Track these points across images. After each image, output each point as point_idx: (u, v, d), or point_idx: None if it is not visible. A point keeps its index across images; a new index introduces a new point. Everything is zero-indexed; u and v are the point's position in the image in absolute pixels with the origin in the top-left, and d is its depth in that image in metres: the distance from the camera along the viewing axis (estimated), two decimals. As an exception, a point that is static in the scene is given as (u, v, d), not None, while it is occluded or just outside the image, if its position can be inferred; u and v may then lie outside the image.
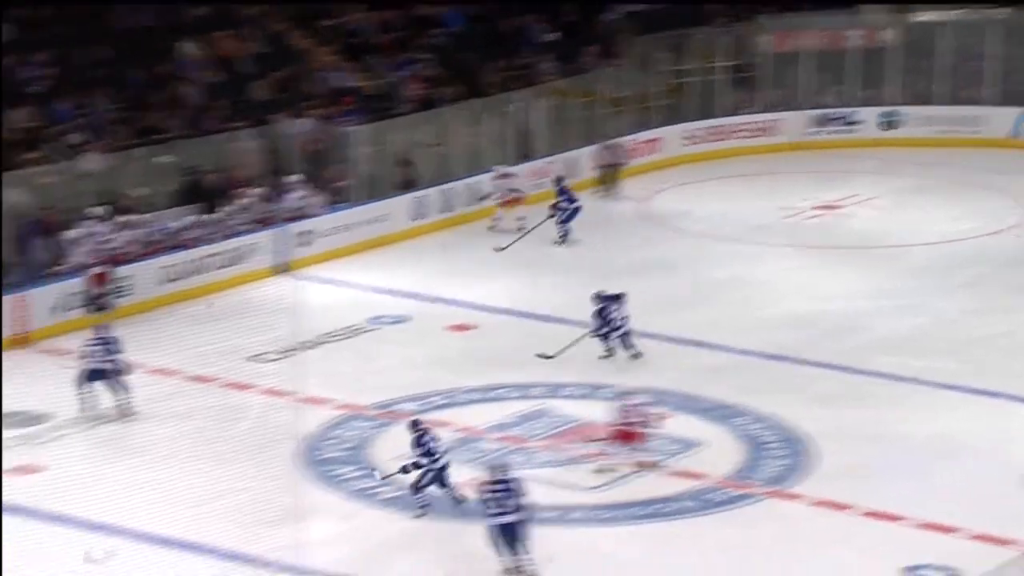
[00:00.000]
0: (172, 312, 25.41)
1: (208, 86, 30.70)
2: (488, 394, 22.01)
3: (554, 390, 22.06)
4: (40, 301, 24.18)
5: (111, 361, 21.10)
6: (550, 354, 22.65)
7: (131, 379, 21.55)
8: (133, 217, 26.42)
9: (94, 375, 21.02)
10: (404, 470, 18.25)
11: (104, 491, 18.53)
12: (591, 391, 21.91)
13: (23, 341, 23.61)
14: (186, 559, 17.23)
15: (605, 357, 22.83)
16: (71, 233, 25.31)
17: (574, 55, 35.89)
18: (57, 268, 25.00)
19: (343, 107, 31.46)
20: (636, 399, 19.27)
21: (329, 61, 33.39)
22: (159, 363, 22.86)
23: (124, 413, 21.03)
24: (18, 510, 18.19)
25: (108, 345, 21.21)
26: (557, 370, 22.58)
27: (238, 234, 27.49)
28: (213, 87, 30.74)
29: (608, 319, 22.77)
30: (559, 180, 30.02)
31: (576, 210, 29.62)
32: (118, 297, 25.11)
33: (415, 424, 18.49)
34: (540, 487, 17.62)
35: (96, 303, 24.77)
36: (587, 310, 23.10)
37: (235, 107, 30.32)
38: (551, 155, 33.10)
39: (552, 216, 29.48)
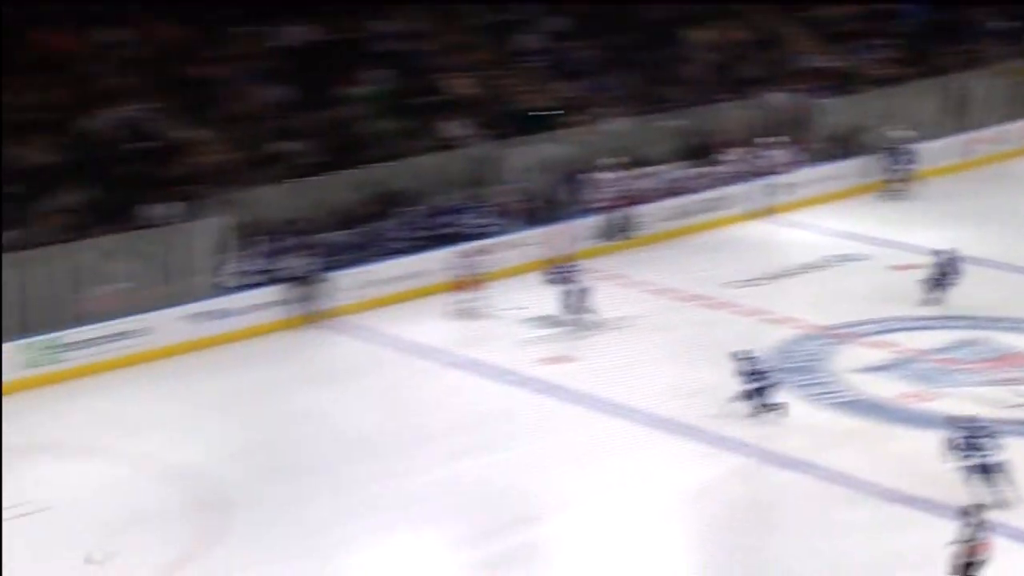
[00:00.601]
0: (674, 244, 25.82)
1: (709, 65, 30.83)
2: (930, 323, 21.35)
3: (992, 322, 21.11)
4: (575, 231, 24.96)
5: (576, 282, 21.57)
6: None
7: (631, 294, 22.10)
8: (647, 168, 26.89)
9: (572, 294, 21.55)
10: (746, 396, 17.90)
11: (616, 378, 19.27)
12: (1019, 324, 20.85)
13: (567, 260, 24.54)
14: (671, 439, 17.69)
15: (934, 303, 21.73)
16: (600, 178, 25.99)
17: (1021, 41, 33.73)
18: (590, 206, 25.78)
19: (817, 83, 30.88)
20: None
21: (807, 45, 32.82)
22: (662, 283, 23.40)
23: (600, 324, 21.38)
24: (553, 389, 19.15)
25: (569, 272, 21.67)
26: (992, 305, 21.51)
27: (727, 184, 27.55)
28: (713, 66, 30.84)
29: (954, 271, 21.74)
30: (895, 144, 28.48)
31: (910, 170, 28.43)
32: (633, 230, 25.73)
33: (742, 355, 18.08)
34: (971, 403, 16.97)
35: (617, 234, 25.48)
36: (1018, 257, 21.89)
37: (729, 82, 30.31)
38: (991, 127, 31.33)
39: (895, 180, 28.38)
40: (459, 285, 22.15)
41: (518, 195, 25.24)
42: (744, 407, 17.80)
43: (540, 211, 25.15)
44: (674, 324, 21.64)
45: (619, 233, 25.55)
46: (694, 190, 27.02)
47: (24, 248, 20.03)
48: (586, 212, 25.51)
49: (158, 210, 21.90)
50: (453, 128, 26.13)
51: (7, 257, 19.48)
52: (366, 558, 14.88)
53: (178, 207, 21.97)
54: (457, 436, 17.59)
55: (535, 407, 18.67)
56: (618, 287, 23.34)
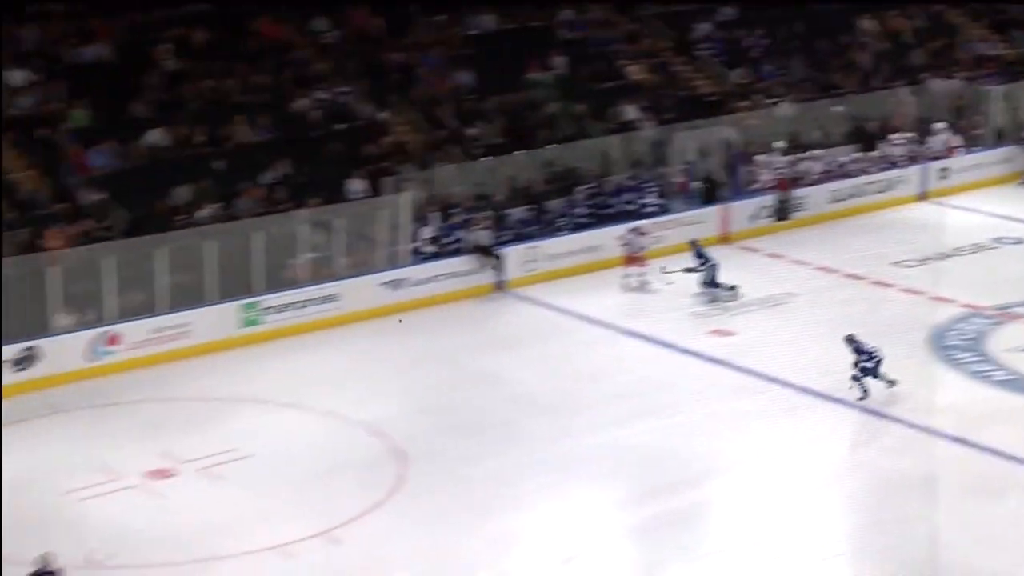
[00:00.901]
0: (836, 225, 25.30)
1: (877, 53, 30.02)
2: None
3: None
4: (740, 211, 24.78)
5: (711, 260, 21.38)
6: None
7: (795, 272, 21.84)
8: (812, 152, 26.38)
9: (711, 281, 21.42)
10: (856, 378, 17.36)
11: (777, 351, 19.02)
12: None
13: (728, 240, 24.33)
14: (830, 411, 17.44)
15: None
16: (766, 161, 25.61)
17: None
18: (753, 187, 25.46)
19: (985, 71, 29.75)
20: None
21: (977, 33, 31.64)
22: (823, 262, 23.00)
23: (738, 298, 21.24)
24: (716, 360, 19.07)
25: (705, 259, 21.47)
26: None
27: (890, 167, 26.84)
28: (881, 54, 30.02)
29: None
30: None
31: None
32: (796, 211, 25.30)
33: (851, 339, 17.50)
34: None
35: (781, 215, 25.09)
36: None
37: (897, 70, 29.49)
38: None
39: None
40: (629, 260, 22.17)
41: (687, 176, 25.06)
42: (858, 387, 17.45)
43: (707, 192, 24.93)
44: (834, 302, 21.27)
45: (782, 214, 25.14)
46: (858, 173, 26.44)
47: (234, 219, 20.78)
48: (751, 193, 25.19)
49: (354, 185, 22.46)
50: (628, 112, 26.08)
51: (227, 226, 20.26)
52: (536, 513, 15.11)
53: (372, 182, 22.47)
54: (623, 402, 17.66)
55: (699, 377, 18.61)
56: (780, 265, 23.03)
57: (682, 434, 16.77)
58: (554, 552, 14.11)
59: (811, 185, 25.69)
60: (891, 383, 17.39)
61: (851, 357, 17.46)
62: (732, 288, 21.32)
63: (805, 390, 17.85)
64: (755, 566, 13.86)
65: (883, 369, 17.38)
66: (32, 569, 12.20)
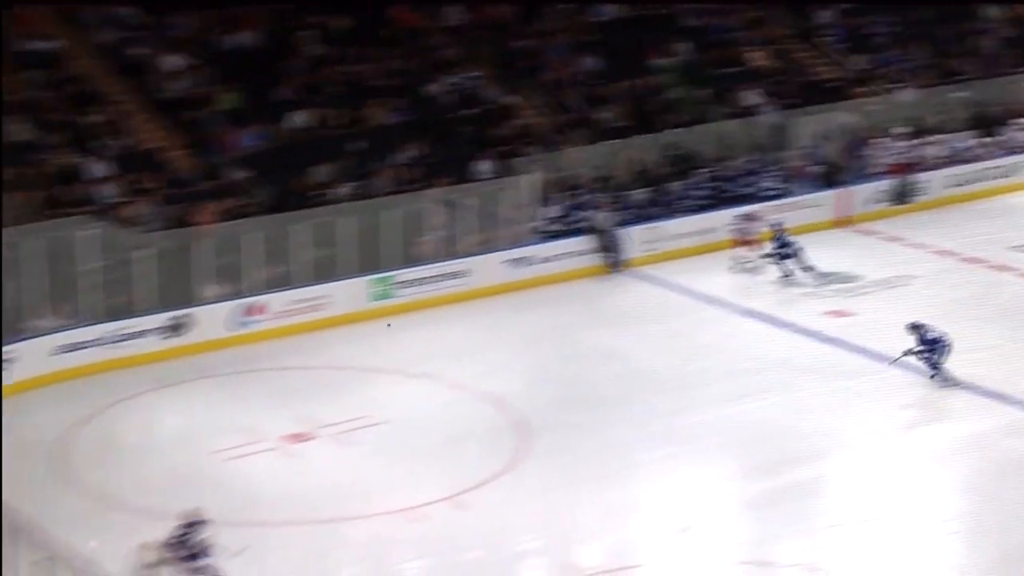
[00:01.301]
0: (955, 210, 24.70)
1: (1003, 39, 29.05)
2: None
3: None
4: (860, 194, 24.33)
5: (794, 244, 20.89)
6: None
7: (912, 255, 21.35)
8: (933, 137, 25.71)
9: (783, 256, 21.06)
10: (906, 354, 16.97)
11: (892, 333, 18.54)
12: None
13: (846, 223, 23.90)
14: (946, 392, 17.07)
15: None
16: (886, 145, 25.05)
17: None
18: (874, 171, 24.91)
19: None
20: None
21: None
22: (942, 246, 22.47)
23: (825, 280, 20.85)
24: (831, 340, 18.79)
25: (788, 244, 20.99)
26: None
27: (1012, 153, 26.04)
28: (1007, 40, 29.04)
29: None
30: None
31: None
32: (915, 195, 24.70)
33: (915, 326, 17.02)
34: None
35: (900, 198, 24.53)
36: None
37: (1022, 56, 28.47)
38: None
39: None
40: (744, 242, 21.94)
41: (806, 160, 24.66)
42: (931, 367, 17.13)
43: (826, 175, 24.49)
44: (951, 284, 20.85)
45: (901, 198, 24.58)
46: (979, 159, 25.70)
47: (368, 197, 21.10)
48: (870, 177, 24.68)
49: (483, 166, 22.61)
50: (749, 97, 25.74)
51: (353, 205, 20.59)
52: (652, 484, 15.13)
53: (500, 164, 22.59)
54: (739, 379, 17.55)
55: (814, 356, 18.38)
56: (898, 248, 22.57)
57: (797, 411, 16.59)
58: (670, 522, 14.10)
59: (930, 170, 25.09)
60: (936, 366, 17.01)
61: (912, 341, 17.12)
62: (806, 269, 20.97)
63: (921, 371, 17.46)
64: (867, 542, 13.68)
65: (944, 359, 16.97)
66: (180, 522, 12.64)
